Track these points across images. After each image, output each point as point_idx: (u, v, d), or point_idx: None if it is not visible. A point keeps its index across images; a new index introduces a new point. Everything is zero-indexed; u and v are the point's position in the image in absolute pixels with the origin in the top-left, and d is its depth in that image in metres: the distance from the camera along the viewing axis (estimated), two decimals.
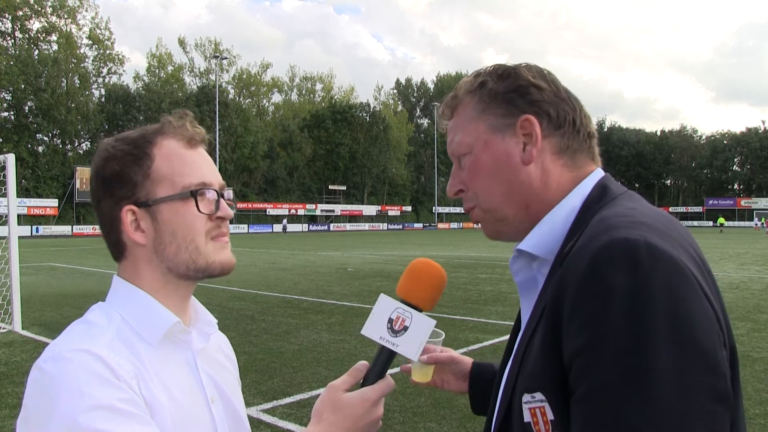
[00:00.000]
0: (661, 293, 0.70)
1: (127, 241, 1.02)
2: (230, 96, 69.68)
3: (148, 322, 0.99)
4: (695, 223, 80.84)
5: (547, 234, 0.91)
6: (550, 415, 0.78)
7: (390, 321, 0.96)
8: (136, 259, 1.02)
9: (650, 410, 0.67)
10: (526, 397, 0.80)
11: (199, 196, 1.01)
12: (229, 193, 1.08)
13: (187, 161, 1.02)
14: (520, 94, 0.93)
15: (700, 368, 0.68)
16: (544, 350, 0.78)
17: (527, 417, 0.80)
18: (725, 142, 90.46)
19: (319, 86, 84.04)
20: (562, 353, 0.75)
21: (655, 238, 0.74)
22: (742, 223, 75.45)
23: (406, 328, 0.96)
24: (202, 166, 1.03)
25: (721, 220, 66.95)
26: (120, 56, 62.19)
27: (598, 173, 0.96)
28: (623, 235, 0.74)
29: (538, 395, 0.79)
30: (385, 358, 0.98)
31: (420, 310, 0.98)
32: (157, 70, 66.24)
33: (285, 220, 63.22)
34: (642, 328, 0.68)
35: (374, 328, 0.97)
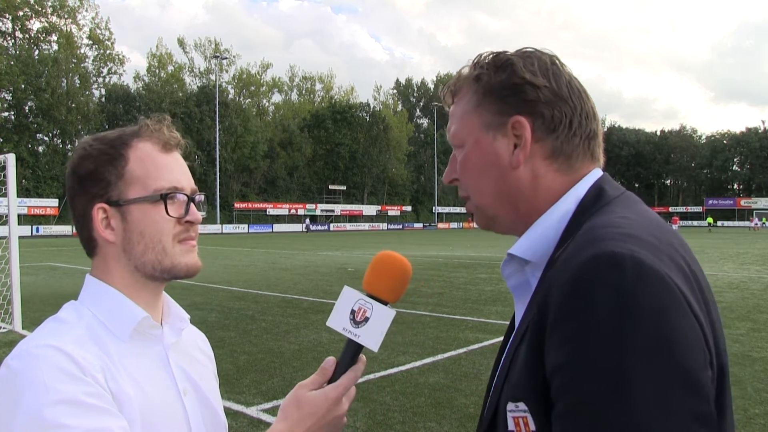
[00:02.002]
0: (644, 311, 0.68)
1: (98, 238, 1.05)
2: (230, 96, 69.76)
3: (118, 318, 1.02)
4: (695, 223, 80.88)
5: (539, 238, 0.88)
6: (532, 426, 0.76)
7: (352, 312, 0.99)
8: (106, 257, 1.05)
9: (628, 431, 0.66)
10: (510, 406, 0.79)
11: (169, 199, 1.04)
12: (200, 197, 1.11)
13: (160, 165, 1.05)
14: (514, 92, 0.89)
15: (682, 389, 0.67)
16: (528, 361, 0.77)
17: (511, 426, 0.79)
18: (725, 142, 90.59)
19: (318, 86, 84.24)
20: (545, 366, 0.74)
21: (643, 252, 0.71)
22: (741, 223, 75.45)
23: (367, 319, 0.98)
24: (174, 170, 1.06)
25: (710, 219, 67.59)
26: (120, 56, 62.43)
27: (595, 174, 0.92)
28: (609, 248, 0.72)
29: (522, 405, 0.78)
30: (351, 352, 1.00)
31: (385, 303, 1.00)
32: (157, 70, 66.28)
33: (308, 220, 63.11)
34: (622, 347, 0.67)
35: (338, 320, 0.99)
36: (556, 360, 0.72)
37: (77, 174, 1.05)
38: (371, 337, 0.98)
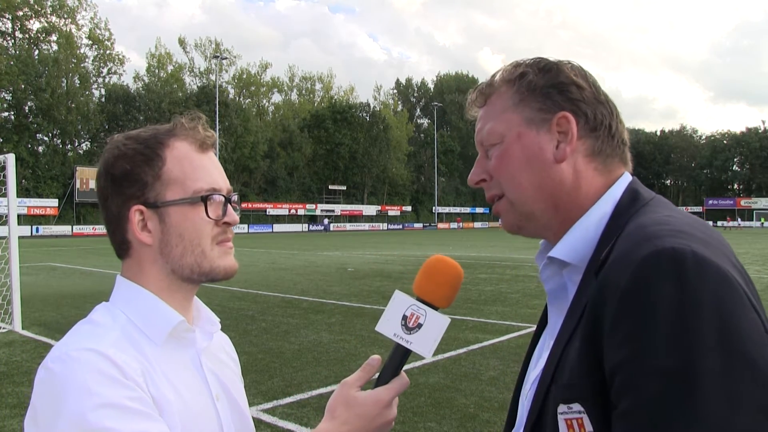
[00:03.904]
0: (709, 305, 0.67)
1: (133, 241, 1.02)
2: (230, 96, 69.72)
3: (153, 321, 1.00)
4: None
5: (579, 240, 0.89)
6: (589, 427, 0.75)
7: (404, 318, 0.96)
8: (140, 259, 1.03)
9: (696, 428, 0.64)
10: (561, 408, 0.78)
11: (209, 201, 1.02)
12: (236, 197, 1.08)
13: (197, 165, 1.02)
14: (559, 90, 0.91)
15: (752, 383, 0.65)
16: (582, 361, 0.76)
17: (563, 428, 0.78)
18: (725, 142, 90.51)
19: (318, 86, 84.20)
20: (603, 365, 0.73)
21: (701, 248, 0.71)
22: (743, 224, 75.44)
23: (420, 326, 0.95)
24: (212, 171, 1.04)
25: None
26: (120, 56, 62.42)
27: (626, 177, 0.94)
28: (669, 244, 0.71)
29: (576, 406, 0.77)
30: (399, 357, 0.97)
31: (436, 308, 0.97)
32: (156, 70, 66.26)
33: (326, 220, 62.94)
34: (688, 342, 0.66)
35: (388, 325, 0.96)
36: (617, 358, 0.70)
37: (111, 174, 1.01)
38: (424, 345, 0.95)
